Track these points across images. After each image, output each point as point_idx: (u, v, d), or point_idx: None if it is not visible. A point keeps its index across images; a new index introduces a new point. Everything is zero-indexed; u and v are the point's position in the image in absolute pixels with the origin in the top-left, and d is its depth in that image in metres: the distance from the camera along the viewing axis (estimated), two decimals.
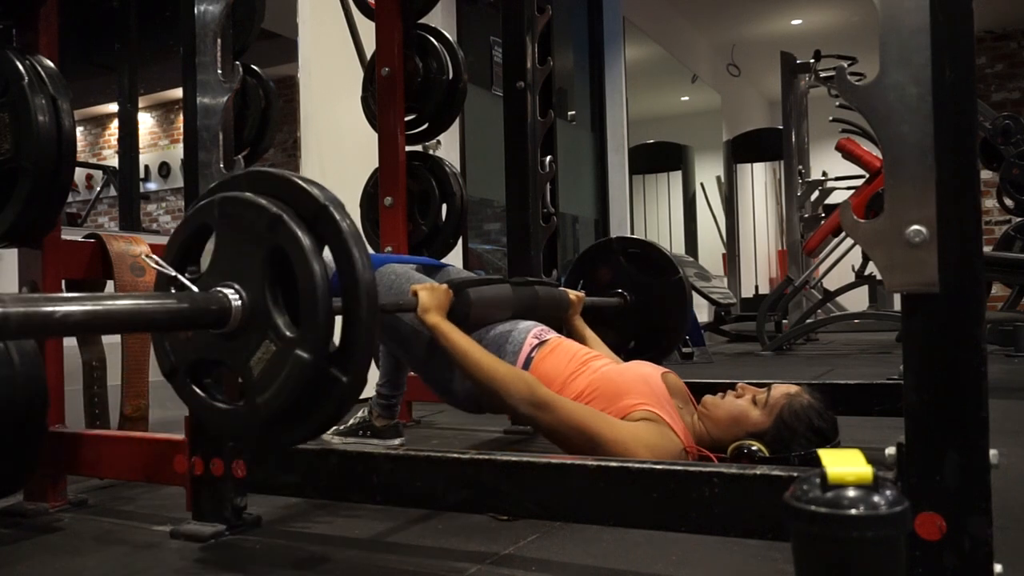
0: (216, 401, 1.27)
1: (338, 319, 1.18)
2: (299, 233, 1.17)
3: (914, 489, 0.97)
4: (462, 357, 1.63)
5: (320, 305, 1.16)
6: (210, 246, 1.28)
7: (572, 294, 2.18)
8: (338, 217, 1.19)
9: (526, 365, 1.78)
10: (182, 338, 1.28)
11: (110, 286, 1.90)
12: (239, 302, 1.20)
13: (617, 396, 1.65)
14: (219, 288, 1.21)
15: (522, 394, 1.58)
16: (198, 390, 1.28)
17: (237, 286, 1.21)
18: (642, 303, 2.44)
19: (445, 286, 1.71)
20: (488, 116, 4.55)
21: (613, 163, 6.76)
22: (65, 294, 1.03)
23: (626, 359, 1.86)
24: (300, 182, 1.22)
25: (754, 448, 1.56)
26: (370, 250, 1.95)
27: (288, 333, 1.17)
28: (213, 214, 1.26)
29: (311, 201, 1.20)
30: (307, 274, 1.16)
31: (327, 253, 1.20)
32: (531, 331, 1.85)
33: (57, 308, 1.01)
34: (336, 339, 1.19)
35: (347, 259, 1.18)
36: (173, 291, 1.26)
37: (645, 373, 1.74)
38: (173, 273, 1.26)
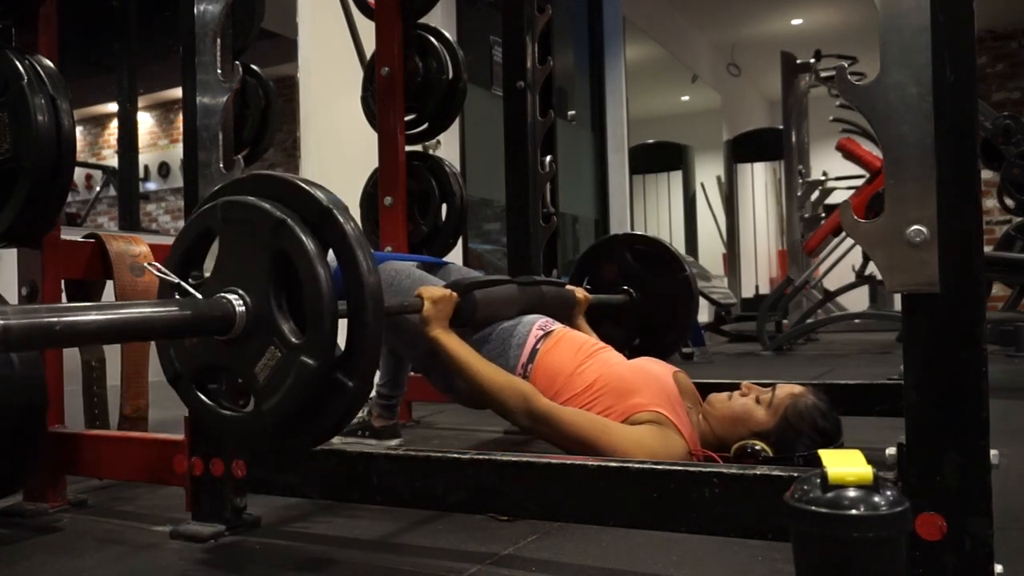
0: (222, 408, 1.26)
1: (342, 322, 1.17)
2: (304, 237, 1.16)
3: (914, 489, 0.97)
4: (462, 369, 1.63)
5: (325, 311, 1.15)
6: (215, 249, 1.28)
7: (578, 292, 2.17)
8: (342, 220, 1.18)
9: (531, 358, 1.76)
10: (187, 344, 1.27)
11: (110, 286, 1.90)
12: (243, 308, 1.19)
13: (626, 394, 1.63)
14: (223, 294, 1.20)
15: (519, 407, 1.58)
16: (203, 397, 1.28)
17: (241, 291, 1.20)
18: (648, 300, 2.41)
19: (450, 292, 1.69)
20: (488, 116, 4.55)
21: (613, 163, 6.76)
22: (67, 304, 1.02)
23: (630, 356, 1.85)
24: (304, 185, 1.21)
25: (758, 448, 1.56)
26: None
27: (293, 339, 1.16)
28: (216, 218, 1.25)
29: (315, 204, 1.19)
30: (312, 279, 1.15)
31: (330, 254, 1.19)
32: (535, 323, 1.84)
33: (59, 319, 1.00)
34: (341, 342, 1.19)
35: (352, 263, 1.17)
36: (177, 297, 1.25)
37: (657, 372, 1.72)
38: (176, 280, 1.25)
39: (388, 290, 1.84)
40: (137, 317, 1.10)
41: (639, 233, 2.61)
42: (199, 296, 1.22)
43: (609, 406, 1.63)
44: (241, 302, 1.19)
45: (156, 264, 1.27)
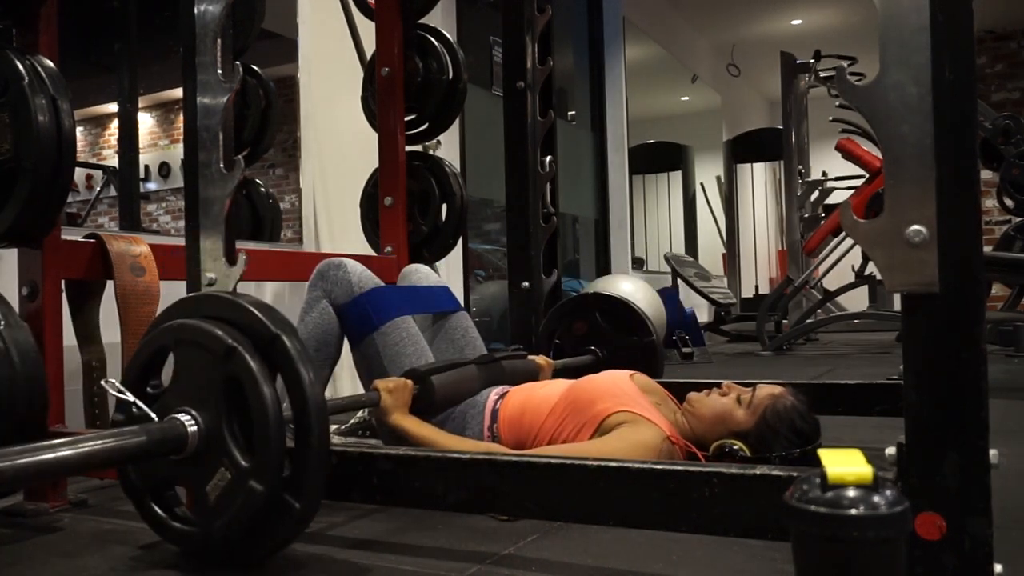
0: (176, 522, 1.34)
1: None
2: (252, 365, 1.23)
3: (914, 489, 0.97)
4: (427, 447, 1.65)
5: (272, 437, 1.22)
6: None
7: (540, 360, 2.18)
8: (290, 346, 1.25)
9: (494, 419, 1.81)
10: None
11: (110, 286, 1.90)
12: (195, 428, 1.27)
13: (589, 404, 1.68)
14: (177, 415, 1.28)
15: None
16: (159, 511, 1.36)
17: (194, 412, 1.28)
18: (615, 361, 2.41)
19: (407, 381, 1.73)
20: (488, 116, 4.55)
21: (613, 163, 6.76)
22: (27, 446, 1.09)
23: None
24: (254, 310, 1.29)
25: (736, 448, 1.57)
26: (378, 282, 1.97)
27: (243, 462, 1.24)
28: (170, 339, 1.34)
29: (264, 329, 1.26)
30: (260, 405, 1.22)
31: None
32: (493, 391, 1.90)
33: (20, 460, 1.06)
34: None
35: (299, 388, 1.24)
36: (134, 410, 1.33)
37: (613, 377, 1.78)
38: (131, 399, 1.34)
39: (392, 348, 1.90)
40: (99, 450, 1.17)
41: (608, 294, 2.65)
42: (153, 416, 1.30)
43: (578, 422, 1.68)
44: (194, 423, 1.27)
45: (113, 382, 1.37)
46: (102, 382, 1.42)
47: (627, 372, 1.83)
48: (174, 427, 1.26)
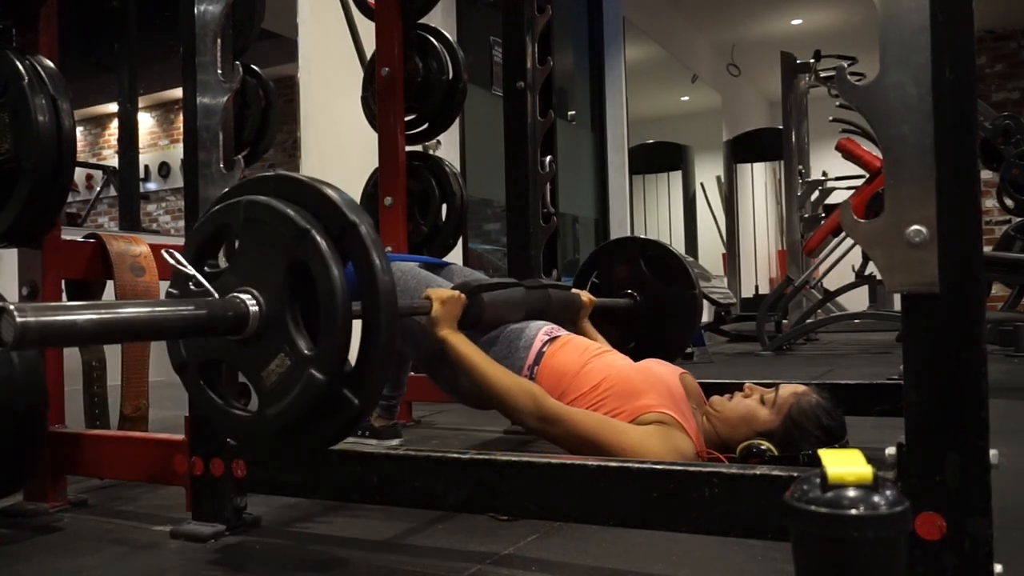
0: (226, 404, 1.26)
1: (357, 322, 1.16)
2: (325, 251, 1.15)
3: (914, 489, 0.97)
4: (471, 369, 1.63)
5: (339, 327, 1.14)
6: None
7: (583, 296, 2.18)
8: (366, 236, 1.16)
9: (537, 361, 1.77)
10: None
11: (110, 286, 1.90)
12: (257, 310, 1.18)
13: (633, 395, 1.64)
14: (238, 294, 1.19)
15: (528, 408, 1.58)
16: (208, 389, 1.27)
17: (256, 292, 1.19)
18: (652, 308, 2.40)
19: (458, 293, 1.69)
20: (488, 116, 4.55)
21: (613, 163, 6.76)
22: (81, 302, 1.03)
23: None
24: (331, 193, 1.20)
25: (763, 447, 1.56)
26: None
27: (304, 350, 1.16)
28: (238, 216, 1.24)
29: (340, 216, 1.18)
30: (329, 294, 1.14)
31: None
32: (542, 329, 1.86)
33: (76, 317, 1.01)
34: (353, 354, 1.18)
35: (371, 282, 1.16)
36: (191, 287, 1.24)
37: (662, 374, 1.72)
38: (192, 272, 1.24)
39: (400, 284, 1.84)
40: (153, 315, 1.10)
41: (655, 239, 2.60)
42: (213, 292, 1.21)
43: (615, 407, 1.63)
44: (255, 303, 1.18)
45: (173, 252, 1.25)
46: (163, 252, 1.28)
47: (678, 371, 1.79)
48: (235, 305, 1.18)
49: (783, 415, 1.58)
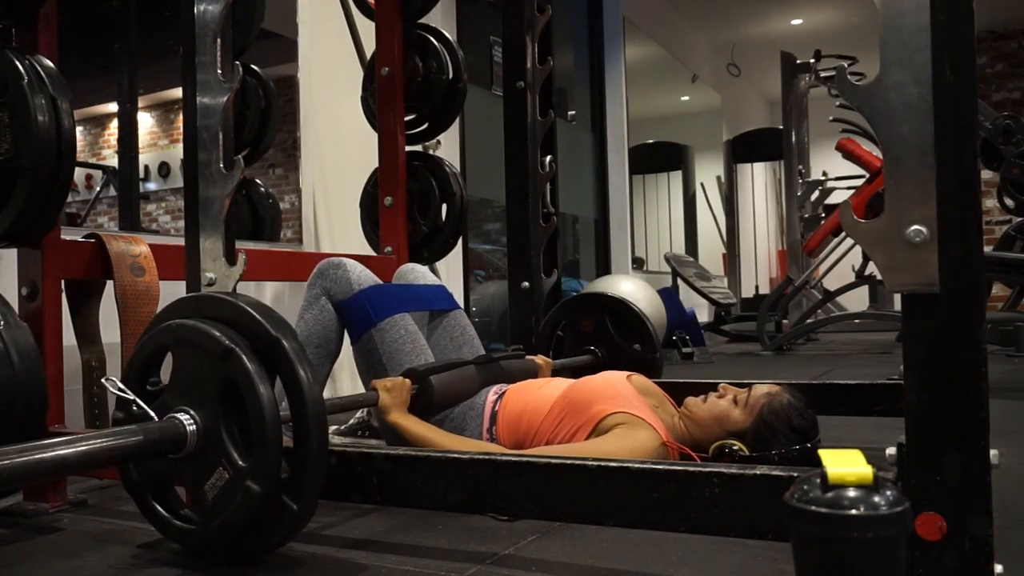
0: (175, 519, 1.35)
1: None
2: (250, 367, 1.24)
3: (914, 489, 0.97)
4: (426, 447, 1.65)
5: (270, 439, 1.22)
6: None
7: (539, 360, 2.17)
8: (289, 348, 1.26)
9: (493, 421, 1.81)
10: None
11: (110, 286, 1.90)
12: (194, 428, 1.27)
13: (587, 405, 1.69)
14: (175, 414, 1.28)
15: None
16: (159, 507, 1.37)
17: (192, 412, 1.28)
18: (614, 364, 2.34)
19: (405, 380, 1.74)
20: (488, 116, 4.55)
21: (613, 163, 6.76)
22: (27, 444, 1.10)
23: None
24: (253, 312, 1.29)
25: (735, 447, 1.58)
26: (377, 280, 1.97)
27: (240, 463, 1.24)
28: (171, 338, 1.34)
29: (265, 333, 1.27)
30: (257, 407, 1.22)
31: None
32: (491, 390, 1.89)
33: (20, 458, 1.06)
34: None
35: (297, 392, 1.24)
36: (134, 409, 1.34)
37: (610, 378, 1.79)
38: (132, 397, 1.35)
39: (391, 345, 1.90)
40: (98, 449, 1.18)
41: (621, 298, 2.60)
42: (153, 414, 1.31)
43: (574, 423, 1.68)
44: (192, 422, 1.27)
45: (113, 380, 1.37)
46: (102, 380, 1.43)
47: (625, 373, 1.84)
48: (173, 426, 1.26)
49: (754, 415, 1.60)
